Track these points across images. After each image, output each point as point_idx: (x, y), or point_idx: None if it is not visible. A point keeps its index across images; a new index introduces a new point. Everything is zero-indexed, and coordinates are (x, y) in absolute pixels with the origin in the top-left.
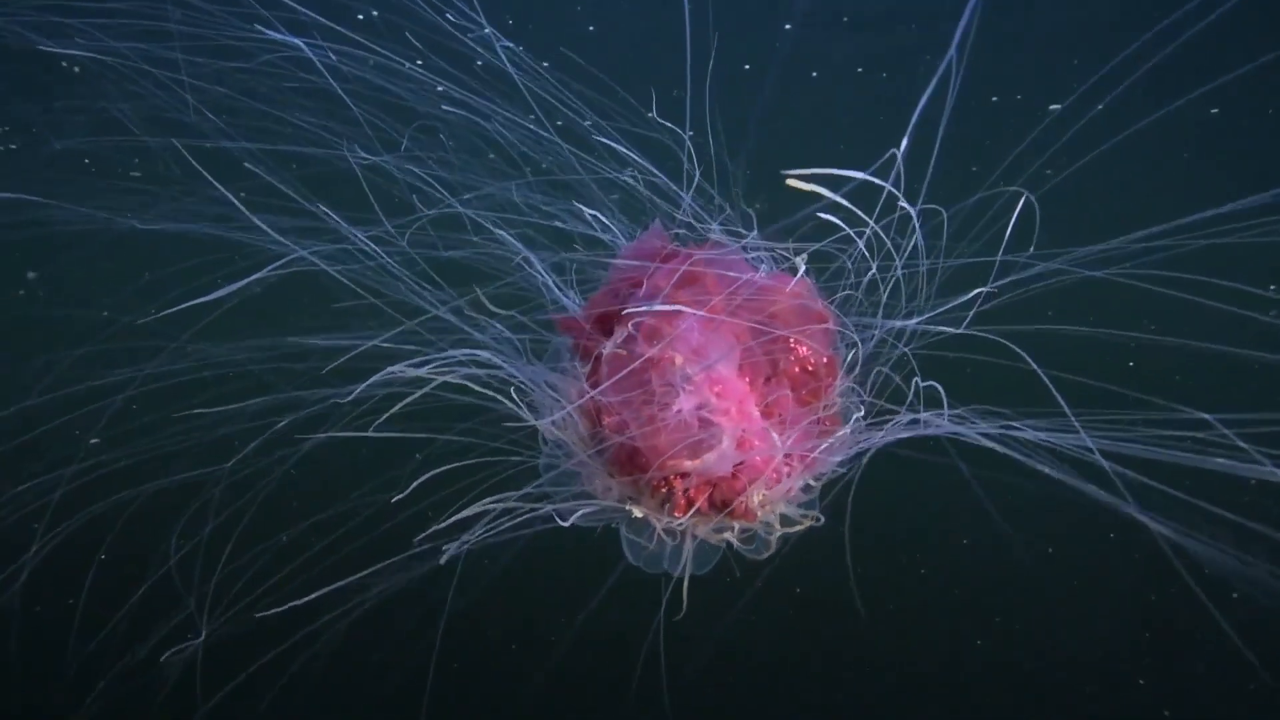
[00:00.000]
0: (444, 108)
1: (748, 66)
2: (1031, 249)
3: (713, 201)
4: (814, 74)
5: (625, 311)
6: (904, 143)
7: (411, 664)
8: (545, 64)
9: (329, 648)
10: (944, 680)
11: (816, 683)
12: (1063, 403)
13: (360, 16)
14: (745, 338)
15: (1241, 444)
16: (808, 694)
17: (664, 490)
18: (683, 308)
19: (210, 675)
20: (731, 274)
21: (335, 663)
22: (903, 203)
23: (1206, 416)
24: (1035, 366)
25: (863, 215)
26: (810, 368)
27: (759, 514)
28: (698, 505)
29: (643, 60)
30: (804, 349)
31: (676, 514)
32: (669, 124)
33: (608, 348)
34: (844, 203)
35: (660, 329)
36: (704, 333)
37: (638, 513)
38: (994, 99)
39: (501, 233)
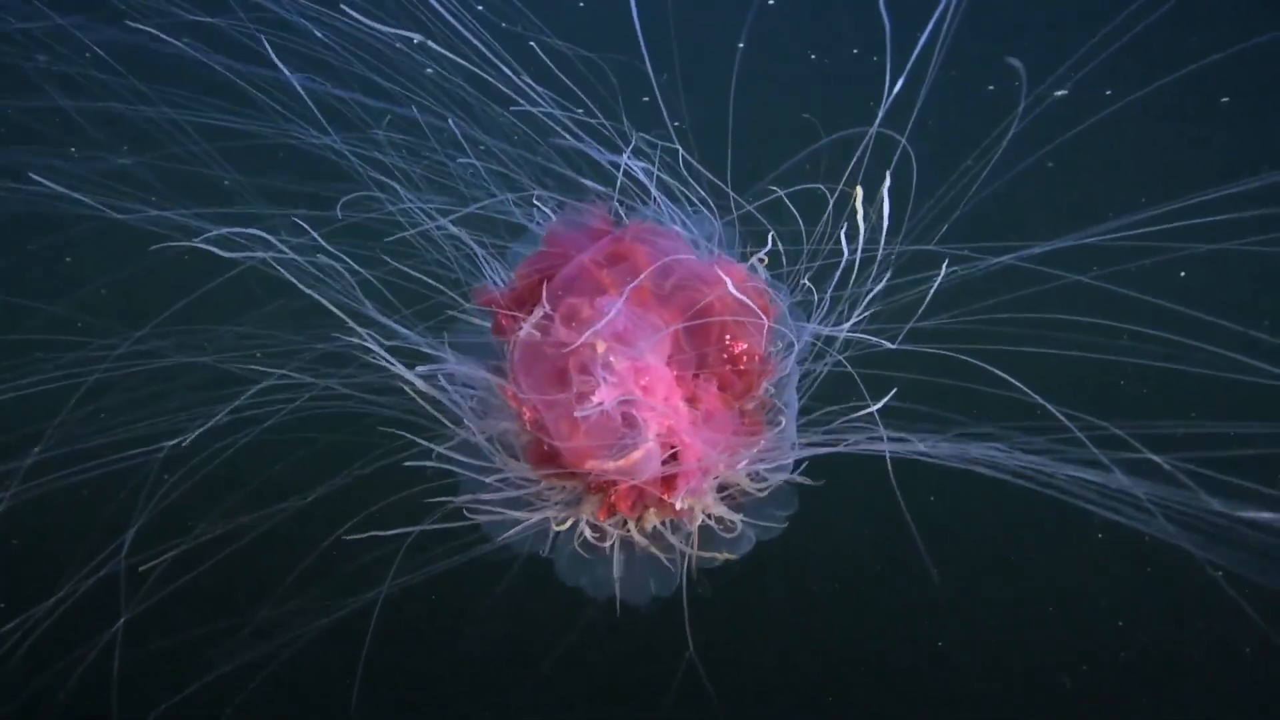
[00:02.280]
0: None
1: (742, 45)
2: (935, 242)
3: (661, 183)
4: (811, 55)
5: (546, 289)
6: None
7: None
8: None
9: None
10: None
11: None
12: (1058, 414)
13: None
14: (676, 325)
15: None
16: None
17: (594, 494)
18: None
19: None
20: (666, 254)
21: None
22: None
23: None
24: (998, 372)
25: (868, 212)
26: (743, 366)
27: (687, 522)
28: (620, 512)
29: (628, 38)
30: (740, 344)
31: (600, 516)
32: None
33: (523, 330)
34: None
35: (580, 310)
36: (630, 317)
37: (558, 525)
38: (990, 87)
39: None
